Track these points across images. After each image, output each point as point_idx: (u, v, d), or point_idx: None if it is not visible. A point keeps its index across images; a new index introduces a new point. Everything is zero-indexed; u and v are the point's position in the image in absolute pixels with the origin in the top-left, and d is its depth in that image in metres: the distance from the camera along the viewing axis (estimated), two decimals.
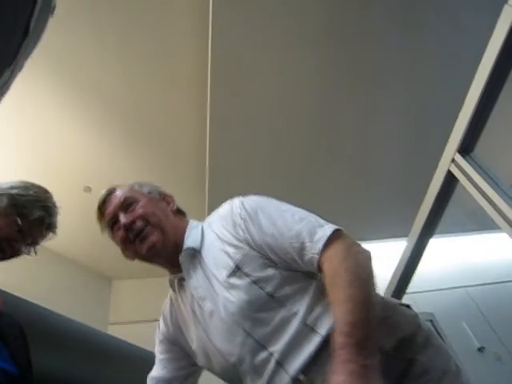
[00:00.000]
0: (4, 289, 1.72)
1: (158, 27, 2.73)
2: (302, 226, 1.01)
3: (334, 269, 0.93)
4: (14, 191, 1.43)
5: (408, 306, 1.07)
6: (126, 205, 1.20)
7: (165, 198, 1.32)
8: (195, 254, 1.16)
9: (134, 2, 2.61)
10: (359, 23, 2.80)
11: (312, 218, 1.04)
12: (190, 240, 1.18)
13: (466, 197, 1.69)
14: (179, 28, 2.74)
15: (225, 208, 1.19)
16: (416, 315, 1.03)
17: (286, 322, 0.97)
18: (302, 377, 0.95)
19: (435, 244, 2.14)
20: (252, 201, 1.14)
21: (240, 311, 1.00)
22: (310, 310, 0.97)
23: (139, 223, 1.16)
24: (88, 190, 3.55)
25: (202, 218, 1.29)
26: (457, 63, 2.91)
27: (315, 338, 0.95)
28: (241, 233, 1.08)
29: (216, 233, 1.15)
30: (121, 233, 1.18)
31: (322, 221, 1.03)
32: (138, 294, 4.32)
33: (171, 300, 1.27)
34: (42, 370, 1.03)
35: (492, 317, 3.96)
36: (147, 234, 1.15)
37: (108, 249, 4.62)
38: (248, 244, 1.06)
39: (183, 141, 3.33)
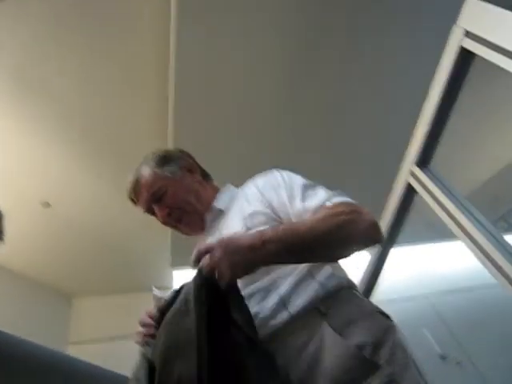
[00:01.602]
0: None
1: (115, 25, 2.58)
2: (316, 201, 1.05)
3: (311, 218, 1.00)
4: None
5: (387, 317, 0.99)
6: (157, 197, 1.28)
7: (186, 169, 1.36)
8: (221, 213, 1.26)
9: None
10: None
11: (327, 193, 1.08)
12: (217, 201, 1.30)
13: (425, 208, 1.74)
14: (139, 24, 2.59)
15: (260, 175, 1.26)
16: (388, 328, 0.94)
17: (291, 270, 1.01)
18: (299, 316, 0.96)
19: (396, 254, 2.18)
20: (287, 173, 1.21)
21: None
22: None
23: (176, 213, 1.28)
24: (47, 205, 3.43)
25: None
26: (417, 75, 2.98)
27: (313, 284, 0.97)
28: (271, 194, 1.13)
29: (246, 192, 1.21)
30: (161, 220, 1.30)
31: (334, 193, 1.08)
32: (99, 311, 4.18)
33: None
34: None
35: (453, 324, 4.05)
36: (187, 222, 1.29)
37: (67, 265, 4.40)
38: (270, 207, 1.11)
39: (145, 149, 3.27)
